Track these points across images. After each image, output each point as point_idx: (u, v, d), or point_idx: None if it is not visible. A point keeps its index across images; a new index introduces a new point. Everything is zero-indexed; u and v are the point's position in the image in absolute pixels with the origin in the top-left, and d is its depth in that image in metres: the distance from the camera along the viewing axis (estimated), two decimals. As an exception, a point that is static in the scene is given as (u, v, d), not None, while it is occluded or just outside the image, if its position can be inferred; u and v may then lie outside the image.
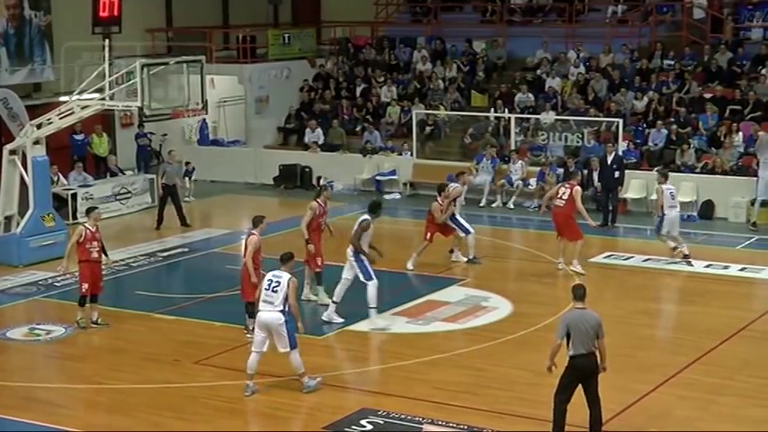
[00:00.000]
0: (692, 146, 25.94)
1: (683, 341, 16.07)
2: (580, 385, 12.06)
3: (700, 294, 18.69)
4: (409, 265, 19.97)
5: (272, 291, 13.64)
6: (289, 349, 13.69)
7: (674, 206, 20.37)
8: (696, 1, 30.70)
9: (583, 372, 11.95)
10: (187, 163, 27.60)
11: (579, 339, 11.84)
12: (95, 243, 16.89)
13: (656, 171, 22.42)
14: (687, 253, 20.36)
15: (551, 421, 12.09)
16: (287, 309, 13.63)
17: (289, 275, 13.79)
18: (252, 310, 15.44)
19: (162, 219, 24.27)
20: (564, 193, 19.79)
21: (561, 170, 25.75)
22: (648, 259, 20.84)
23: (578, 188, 19.90)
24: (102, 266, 17.37)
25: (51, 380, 15.01)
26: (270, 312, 13.62)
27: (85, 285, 16.74)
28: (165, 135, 32.08)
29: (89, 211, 17.69)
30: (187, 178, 27.20)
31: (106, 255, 17.41)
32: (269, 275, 13.87)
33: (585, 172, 25.09)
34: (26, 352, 16.09)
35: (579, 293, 12.16)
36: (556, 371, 12.13)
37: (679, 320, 17.17)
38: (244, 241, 16.31)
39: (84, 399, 14.01)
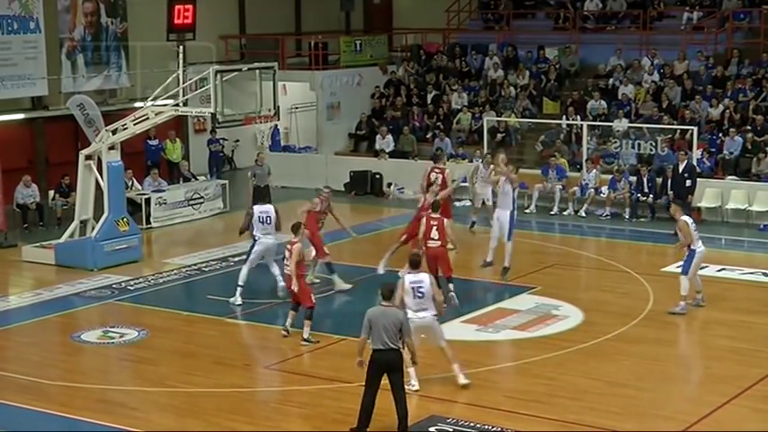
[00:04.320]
0: (768, 154, 25.57)
1: (759, 353, 15.77)
2: None
3: (776, 305, 18.37)
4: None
5: None
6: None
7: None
8: (773, 7, 30.26)
9: (382, 366, 12.38)
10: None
11: (377, 335, 12.39)
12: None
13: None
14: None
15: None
16: None
17: None
18: None
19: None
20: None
21: (634, 178, 25.51)
22: (723, 269, 20.54)
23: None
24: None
25: (124, 382, 15.18)
26: None
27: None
28: (238, 141, 32.44)
29: (295, 228, 17.02)
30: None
31: None
32: None
33: (659, 180, 24.86)
34: (100, 354, 16.30)
35: (386, 294, 12.79)
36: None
37: (755, 331, 16.85)
38: None
39: (157, 402, 14.14)
